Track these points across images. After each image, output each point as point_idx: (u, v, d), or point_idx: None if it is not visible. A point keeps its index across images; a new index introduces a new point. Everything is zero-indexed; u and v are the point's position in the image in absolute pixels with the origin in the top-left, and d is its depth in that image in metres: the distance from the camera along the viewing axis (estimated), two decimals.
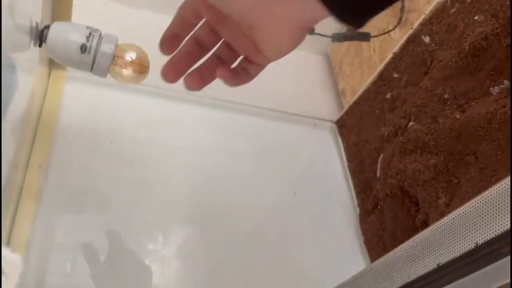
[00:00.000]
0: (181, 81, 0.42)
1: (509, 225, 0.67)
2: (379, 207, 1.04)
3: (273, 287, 0.95)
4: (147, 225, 0.92)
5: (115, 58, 0.72)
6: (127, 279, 0.86)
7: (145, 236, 0.91)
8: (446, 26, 0.96)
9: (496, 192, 0.70)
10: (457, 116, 0.83)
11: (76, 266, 0.82)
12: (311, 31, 1.02)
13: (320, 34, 1.03)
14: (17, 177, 0.75)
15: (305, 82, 1.40)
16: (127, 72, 0.74)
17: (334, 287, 0.74)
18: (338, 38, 1.04)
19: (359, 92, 1.21)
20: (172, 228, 0.95)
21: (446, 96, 0.89)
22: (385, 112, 1.09)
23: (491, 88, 0.81)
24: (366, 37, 1.07)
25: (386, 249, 0.97)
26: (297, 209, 1.06)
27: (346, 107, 1.28)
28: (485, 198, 0.71)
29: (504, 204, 0.68)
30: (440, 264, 0.74)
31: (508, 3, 0.83)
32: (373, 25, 1.25)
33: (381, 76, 1.13)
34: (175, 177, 1.01)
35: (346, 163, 1.21)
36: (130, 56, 0.74)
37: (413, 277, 0.72)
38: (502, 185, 0.66)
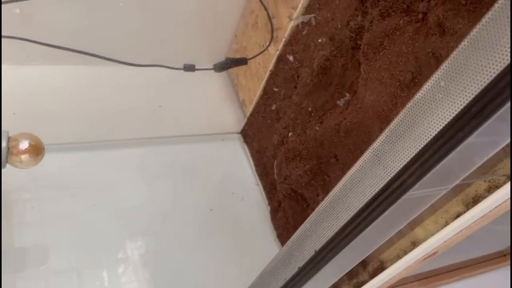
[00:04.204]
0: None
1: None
2: (282, 205, 1.21)
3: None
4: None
5: (10, 149, 0.82)
6: None
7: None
8: (302, 46, 1.11)
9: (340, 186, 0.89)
10: (317, 128, 1.00)
11: None
12: (192, 69, 1.14)
13: (202, 69, 1.16)
14: None
15: (211, 99, 1.53)
16: (25, 158, 0.85)
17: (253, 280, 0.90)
18: (218, 68, 1.17)
19: (253, 104, 1.36)
20: (120, 248, 1.12)
21: (309, 109, 1.06)
22: (273, 122, 1.25)
23: (337, 101, 0.99)
24: (243, 61, 1.20)
25: None
26: (215, 222, 1.21)
27: (246, 117, 1.43)
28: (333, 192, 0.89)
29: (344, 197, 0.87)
30: (317, 250, 0.94)
31: (339, 26, 0.99)
32: (254, 41, 1.39)
33: (265, 90, 1.29)
34: (107, 216, 1.14)
35: (254, 168, 1.37)
36: (23, 144, 0.84)
37: (307, 256, 0.88)
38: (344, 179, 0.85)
